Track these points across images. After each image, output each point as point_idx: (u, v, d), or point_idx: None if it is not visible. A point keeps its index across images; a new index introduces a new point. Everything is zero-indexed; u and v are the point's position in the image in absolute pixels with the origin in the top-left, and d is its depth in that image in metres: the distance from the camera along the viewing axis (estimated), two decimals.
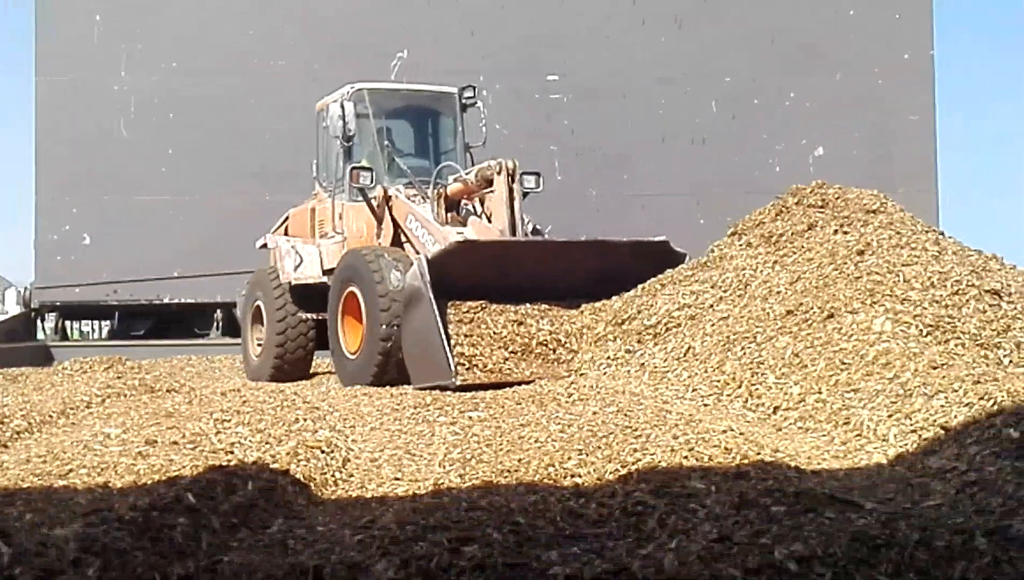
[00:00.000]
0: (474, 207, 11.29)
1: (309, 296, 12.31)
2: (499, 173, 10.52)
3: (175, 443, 5.81)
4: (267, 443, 5.91)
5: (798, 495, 4.21)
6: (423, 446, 6.42)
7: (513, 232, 10.34)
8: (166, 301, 18.55)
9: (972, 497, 4.32)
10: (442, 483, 5.35)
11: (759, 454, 5.21)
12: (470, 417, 7.27)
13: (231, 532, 4.22)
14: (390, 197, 11.50)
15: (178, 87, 18.30)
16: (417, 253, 10.48)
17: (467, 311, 9.59)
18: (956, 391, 5.82)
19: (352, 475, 5.75)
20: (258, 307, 12.95)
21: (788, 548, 3.50)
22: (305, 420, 6.87)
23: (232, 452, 5.61)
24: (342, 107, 11.88)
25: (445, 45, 18.46)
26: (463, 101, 12.55)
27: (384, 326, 10.14)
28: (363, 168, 11.56)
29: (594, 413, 6.59)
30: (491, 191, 10.83)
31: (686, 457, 5.16)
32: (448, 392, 8.69)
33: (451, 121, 12.70)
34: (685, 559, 3.53)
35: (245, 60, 18.35)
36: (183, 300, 18.54)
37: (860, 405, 6.17)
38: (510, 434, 6.33)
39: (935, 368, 6.27)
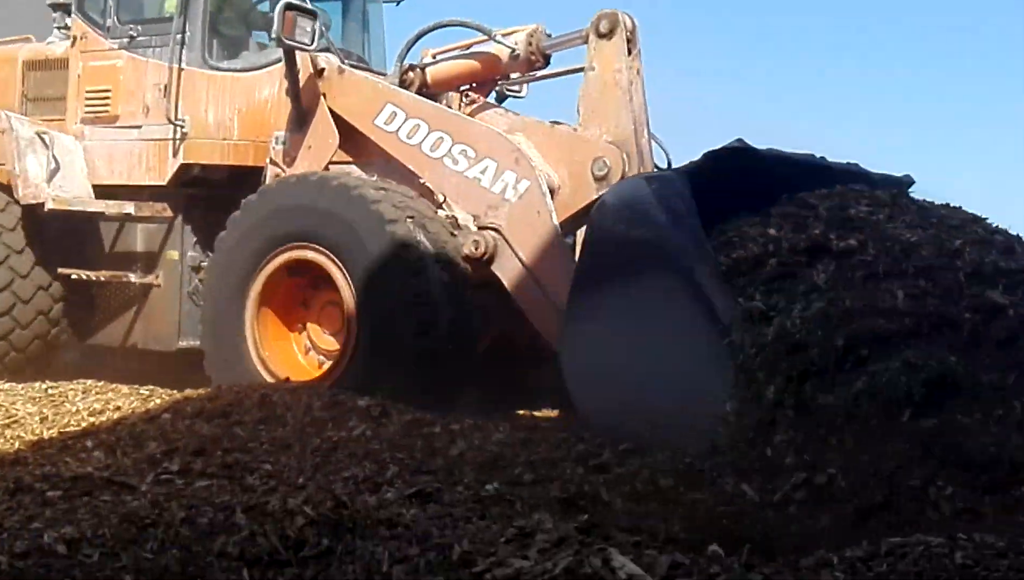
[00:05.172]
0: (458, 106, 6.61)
1: (59, 231, 6.86)
2: (606, 35, 5.69)
3: None
4: None
5: (75, 479, 4.04)
6: None
7: (637, 140, 5.70)
8: None
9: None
10: None
11: (35, 441, 4.94)
12: None
13: None
14: (322, 71, 6.39)
15: None
16: (416, 181, 6.06)
17: None
18: None
19: None
20: None
21: (58, 531, 3.34)
22: None
23: None
24: None
25: None
26: None
27: (418, 332, 5.53)
28: (304, 10, 6.10)
29: None
30: (552, 74, 6.44)
31: None
32: None
33: None
34: None
35: None
36: None
37: None
38: None
39: None
